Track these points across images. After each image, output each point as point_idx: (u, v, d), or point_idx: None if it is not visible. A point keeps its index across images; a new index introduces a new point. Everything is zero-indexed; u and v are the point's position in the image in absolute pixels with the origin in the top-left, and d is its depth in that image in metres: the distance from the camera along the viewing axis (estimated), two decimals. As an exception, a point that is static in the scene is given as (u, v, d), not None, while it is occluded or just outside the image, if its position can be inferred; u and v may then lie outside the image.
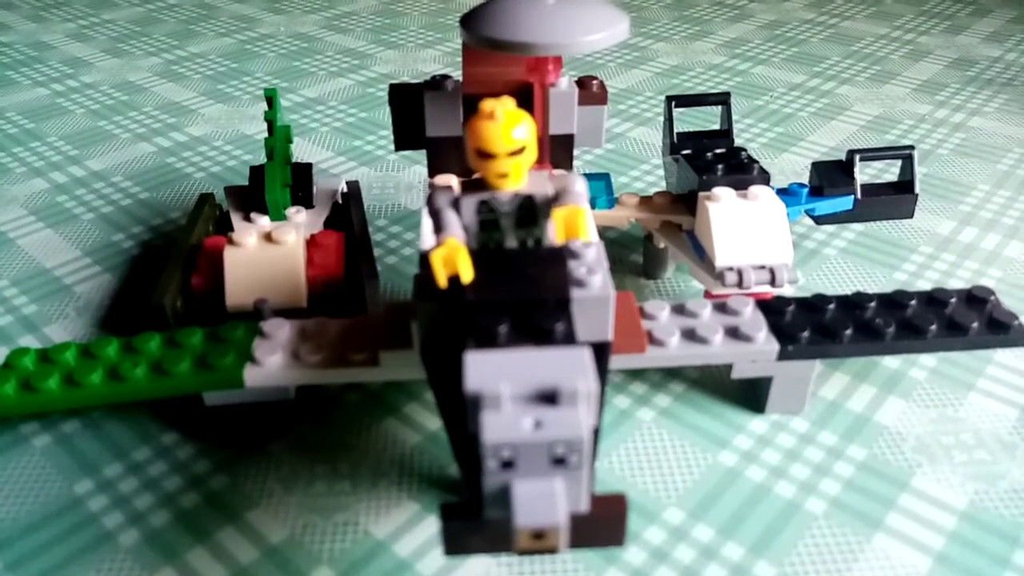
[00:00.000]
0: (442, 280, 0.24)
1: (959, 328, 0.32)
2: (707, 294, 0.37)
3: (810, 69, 0.72)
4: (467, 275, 0.24)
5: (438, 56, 0.75)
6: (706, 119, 0.60)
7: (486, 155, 0.27)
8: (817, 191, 0.40)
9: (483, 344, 0.23)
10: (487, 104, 0.26)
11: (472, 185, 0.29)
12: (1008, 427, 0.33)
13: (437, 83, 0.36)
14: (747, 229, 0.35)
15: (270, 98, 0.42)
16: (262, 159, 0.55)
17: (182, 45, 0.79)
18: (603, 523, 0.21)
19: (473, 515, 0.20)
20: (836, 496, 0.30)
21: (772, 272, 0.35)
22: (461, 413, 0.21)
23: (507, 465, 0.20)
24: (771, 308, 0.32)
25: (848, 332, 0.31)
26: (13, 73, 0.72)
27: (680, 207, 0.40)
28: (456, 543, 0.21)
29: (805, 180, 0.41)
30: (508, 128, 0.26)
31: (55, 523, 0.29)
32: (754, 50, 0.77)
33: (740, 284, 0.35)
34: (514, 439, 0.19)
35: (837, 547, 0.28)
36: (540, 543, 0.20)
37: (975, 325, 0.32)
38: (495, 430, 0.20)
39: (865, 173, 0.52)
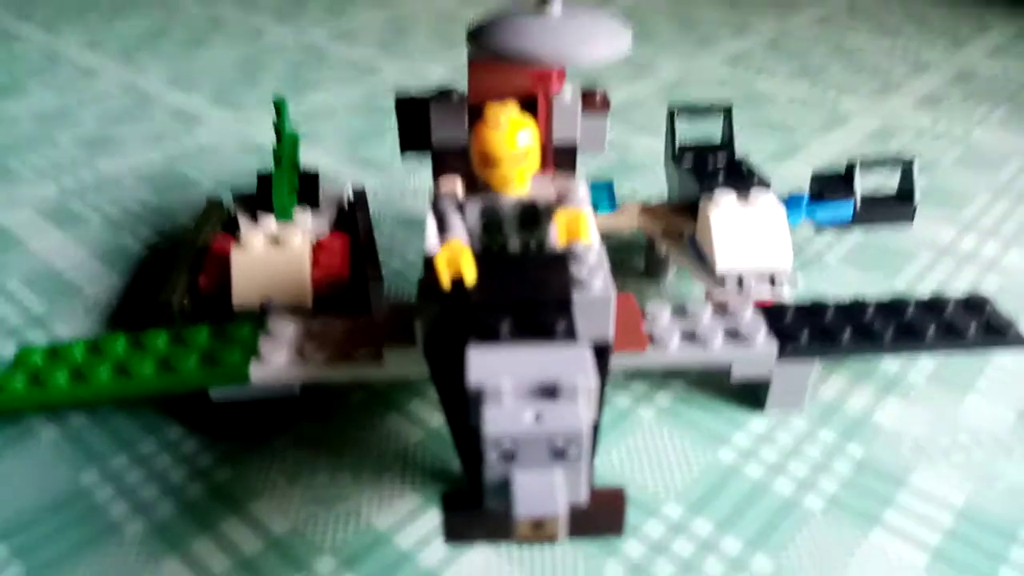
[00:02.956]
0: (446, 281, 0.25)
1: (956, 332, 0.32)
2: (708, 297, 0.37)
3: (812, 81, 0.72)
4: (470, 277, 0.25)
5: (444, 69, 0.76)
6: (708, 130, 0.60)
7: (490, 160, 0.27)
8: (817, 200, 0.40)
9: (485, 339, 0.23)
10: (492, 110, 0.27)
11: (476, 189, 0.29)
12: (1005, 429, 0.33)
13: (443, 94, 0.37)
14: (747, 234, 0.36)
15: (278, 106, 0.42)
16: (270, 166, 0.56)
17: (191, 55, 0.80)
18: (602, 514, 0.21)
19: (474, 505, 0.21)
20: (834, 494, 0.30)
21: (772, 277, 0.35)
22: (463, 407, 0.22)
23: (508, 457, 0.20)
24: (771, 311, 0.33)
25: (846, 336, 0.32)
26: (27, 80, 0.73)
27: (682, 215, 0.40)
28: (457, 532, 0.21)
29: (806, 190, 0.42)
30: (512, 134, 0.27)
31: (62, 512, 0.30)
32: (756, 63, 0.78)
33: (740, 289, 0.35)
34: (515, 432, 0.20)
35: (834, 541, 0.29)
36: (540, 532, 0.20)
37: (972, 330, 0.32)
38: (496, 423, 0.20)
39: (865, 186, 0.53)
